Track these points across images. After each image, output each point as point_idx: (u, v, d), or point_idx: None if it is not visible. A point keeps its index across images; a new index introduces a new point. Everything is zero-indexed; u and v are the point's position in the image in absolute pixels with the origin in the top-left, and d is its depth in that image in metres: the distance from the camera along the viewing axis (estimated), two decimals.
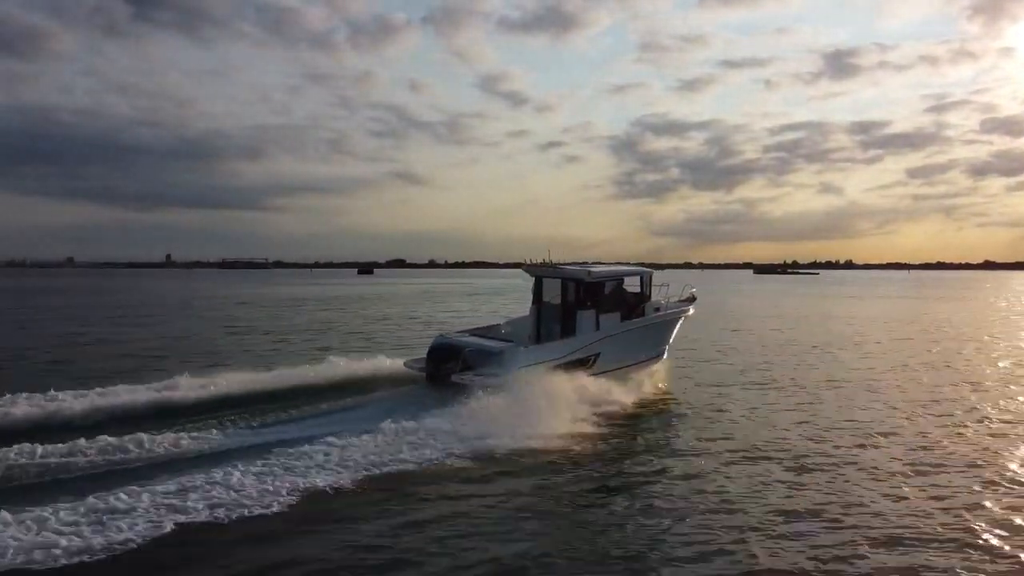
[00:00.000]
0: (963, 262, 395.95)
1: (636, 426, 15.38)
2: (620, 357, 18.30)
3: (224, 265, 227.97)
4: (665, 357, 20.70)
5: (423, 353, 17.60)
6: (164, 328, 38.38)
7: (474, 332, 19.02)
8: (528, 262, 19.59)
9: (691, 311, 21.24)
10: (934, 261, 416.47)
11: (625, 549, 8.91)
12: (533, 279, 19.64)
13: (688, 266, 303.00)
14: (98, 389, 15.17)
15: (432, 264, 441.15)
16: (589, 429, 14.20)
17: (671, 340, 20.72)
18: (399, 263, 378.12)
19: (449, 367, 16.37)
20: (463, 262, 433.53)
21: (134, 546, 8.22)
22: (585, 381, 16.11)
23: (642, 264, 22.23)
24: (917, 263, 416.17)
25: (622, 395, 16.77)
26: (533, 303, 19.59)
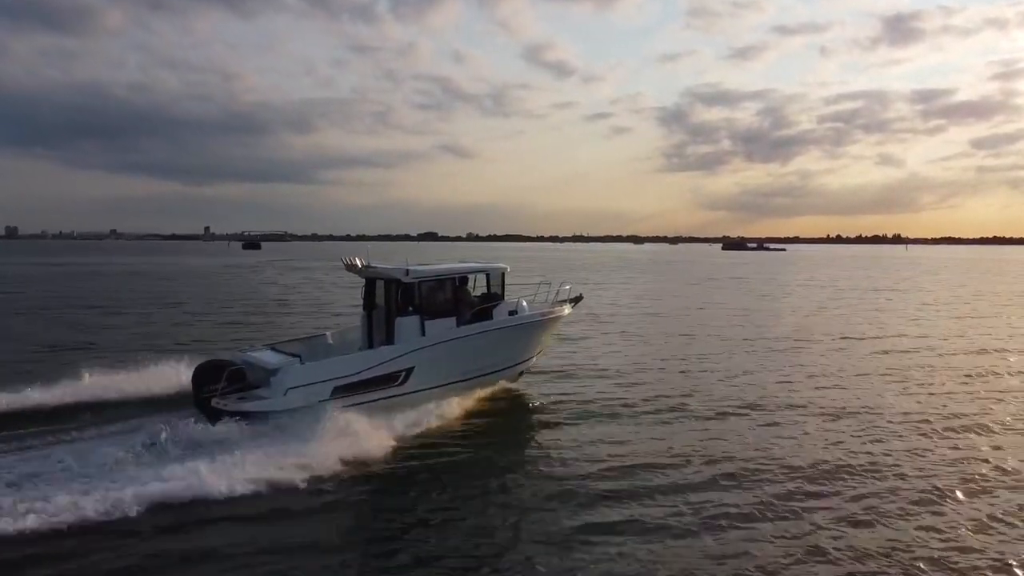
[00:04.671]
0: (1020, 237, 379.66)
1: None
2: (449, 371, 14.80)
3: (243, 238, 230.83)
4: (532, 364, 17.29)
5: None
6: None
7: (290, 344, 15.72)
8: (348, 261, 15.88)
9: (566, 312, 17.68)
10: (990, 236, 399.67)
11: None
12: (364, 280, 16.19)
13: (724, 239, 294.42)
14: None
15: (470, 236, 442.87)
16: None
17: (537, 348, 17.24)
18: (431, 236, 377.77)
19: (213, 389, 13.41)
20: (495, 235, 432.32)
21: None
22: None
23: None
24: (970, 238, 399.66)
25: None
26: (363, 308, 16.16)
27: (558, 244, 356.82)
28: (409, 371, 14.28)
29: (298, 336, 17.05)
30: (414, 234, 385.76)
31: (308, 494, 10.27)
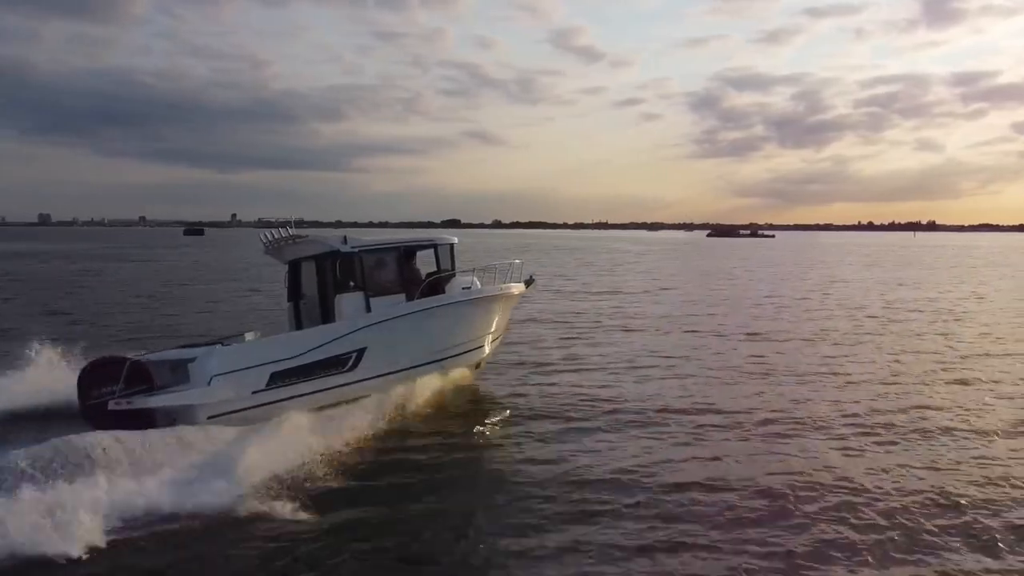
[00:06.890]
0: None
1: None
2: (407, 353, 12.80)
3: (260, 224, 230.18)
4: (488, 349, 15.10)
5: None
6: None
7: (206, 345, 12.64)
8: (269, 237, 13.28)
9: (515, 290, 15.36)
10: None
11: None
12: (287, 266, 13.84)
13: (752, 226, 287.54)
14: None
15: (495, 224, 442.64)
16: None
17: (494, 330, 15.33)
18: (454, 223, 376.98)
19: (106, 391, 10.64)
20: (519, 222, 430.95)
21: None
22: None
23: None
24: (1010, 224, 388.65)
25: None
26: (289, 299, 13.95)
27: (572, 231, 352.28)
28: (361, 352, 12.16)
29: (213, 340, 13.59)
30: (437, 221, 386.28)
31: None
